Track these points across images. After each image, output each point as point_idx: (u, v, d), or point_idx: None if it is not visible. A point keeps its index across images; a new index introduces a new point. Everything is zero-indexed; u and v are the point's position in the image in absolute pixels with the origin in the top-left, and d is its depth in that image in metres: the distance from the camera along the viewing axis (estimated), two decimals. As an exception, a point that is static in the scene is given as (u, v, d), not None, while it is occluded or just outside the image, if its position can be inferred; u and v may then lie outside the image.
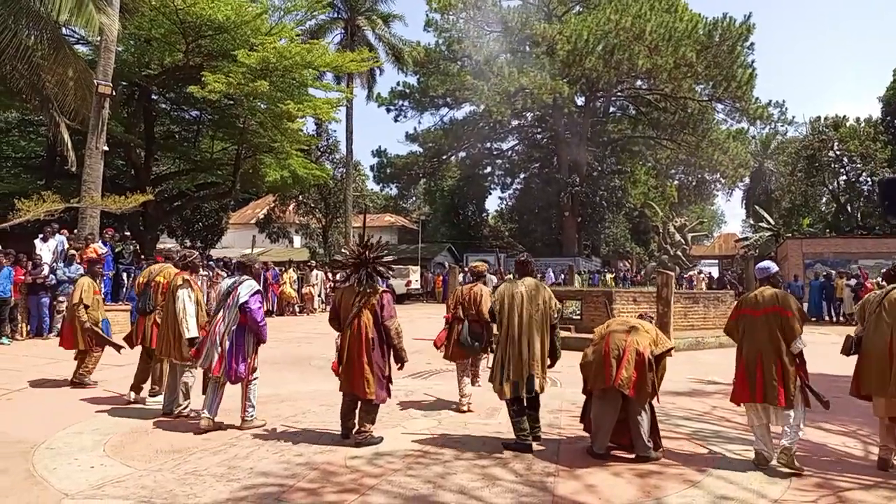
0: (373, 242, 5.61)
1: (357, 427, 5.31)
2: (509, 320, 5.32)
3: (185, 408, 6.14)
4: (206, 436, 5.48)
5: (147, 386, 6.81)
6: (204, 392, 5.79)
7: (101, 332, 7.56)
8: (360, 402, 5.30)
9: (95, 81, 14.23)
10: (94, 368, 7.67)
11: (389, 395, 5.44)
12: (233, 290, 5.76)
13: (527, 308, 5.29)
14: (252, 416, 5.77)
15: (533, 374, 5.16)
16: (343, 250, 5.83)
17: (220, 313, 5.74)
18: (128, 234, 16.07)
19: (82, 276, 8.12)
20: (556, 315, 5.39)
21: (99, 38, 14.60)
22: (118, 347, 7.33)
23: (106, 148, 14.85)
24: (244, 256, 6.43)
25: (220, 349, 5.60)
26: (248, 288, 5.77)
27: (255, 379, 5.83)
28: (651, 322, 5.74)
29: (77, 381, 7.51)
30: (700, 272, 35.60)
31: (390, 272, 5.94)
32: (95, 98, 14.26)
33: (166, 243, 31.56)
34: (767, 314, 4.93)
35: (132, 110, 22.76)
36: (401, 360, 5.45)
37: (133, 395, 6.79)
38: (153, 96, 22.78)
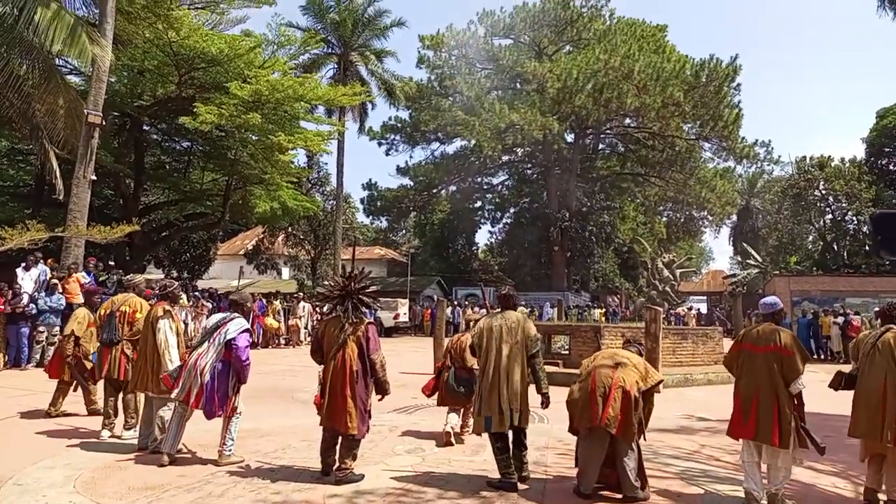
0: (356, 273, 5.52)
1: (338, 464, 5.16)
2: (487, 354, 5.28)
3: (161, 443, 5.89)
4: (180, 472, 5.31)
5: (120, 420, 6.62)
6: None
7: (86, 364, 7.39)
8: (340, 438, 5.16)
9: (86, 111, 14.24)
10: (95, 395, 7.47)
11: (368, 430, 5.33)
12: (221, 325, 5.67)
13: (506, 341, 5.23)
14: (231, 451, 5.60)
15: (511, 409, 5.05)
16: (326, 282, 5.76)
17: (204, 346, 5.62)
18: (112, 263, 15.92)
19: (80, 306, 8.00)
20: (534, 346, 5.28)
21: (91, 69, 14.66)
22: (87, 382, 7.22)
23: (94, 177, 14.80)
24: (235, 292, 6.34)
25: (199, 383, 5.46)
26: (237, 325, 5.68)
27: (238, 414, 5.70)
28: (639, 348, 5.67)
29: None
30: (690, 308, 35.70)
31: (376, 303, 5.85)
32: (85, 128, 14.26)
33: (152, 273, 31.30)
34: (767, 352, 4.86)
35: (123, 140, 22.77)
36: (384, 392, 5.38)
37: (107, 432, 6.53)
38: (145, 127, 22.83)
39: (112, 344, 6.59)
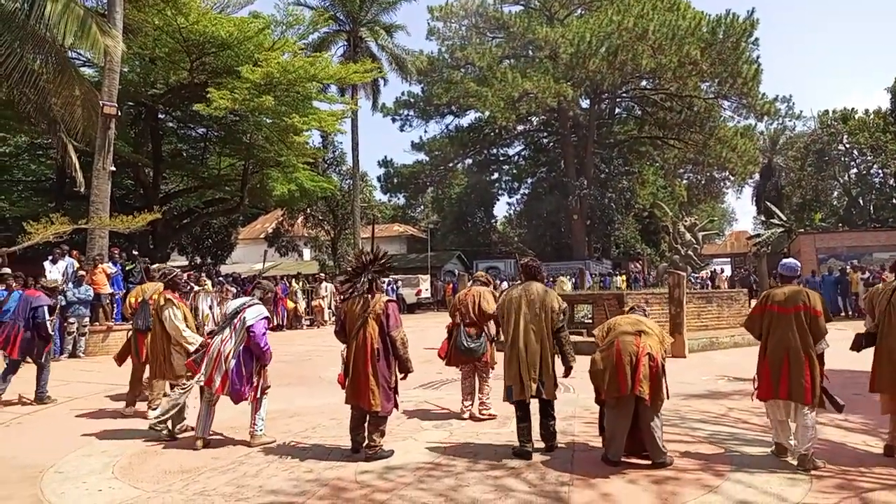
0: (372, 252, 5.68)
1: (367, 441, 5.23)
2: (507, 325, 5.34)
3: (184, 426, 6.06)
4: (215, 454, 5.43)
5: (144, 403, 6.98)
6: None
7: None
8: (368, 415, 5.23)
9: (101, 102, 14.33)
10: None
11: (397, 407, 5.39)
12: (240, 311, 5.74)
13: (524, 313, 5.24)
14: (261, 430, 5.71)
15: (530, 379, 5.08)
16: (349, 259, 5.90)
17: (227, 331, 5.70)
18: (136, 252, 16.14)
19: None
20: (559, 318, 5.25)
21: (103, 60, 14.72)
22: None
23: (113, 168, 14.93)
24: (258, 277, 6.48)
25: (223, 369, 5.56)
26: (255, 312, 5.74)
27: (265, 394, 5.81)
28: (645, 314, 5.63)
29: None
30: (722, 270, 35.42)
31: (396, 280, 5.95)
32: (101, 119, 14.36)
33: (176, 261, 31.72)
34: (798, 312, 4.88)
35: (139, 130, 22.93)
36: (406, 371, 5.40)
37: (131, 408, 7.01)
38: (160, 115, 22.95)
39: (148, 330, 6.93)
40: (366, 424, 5.27)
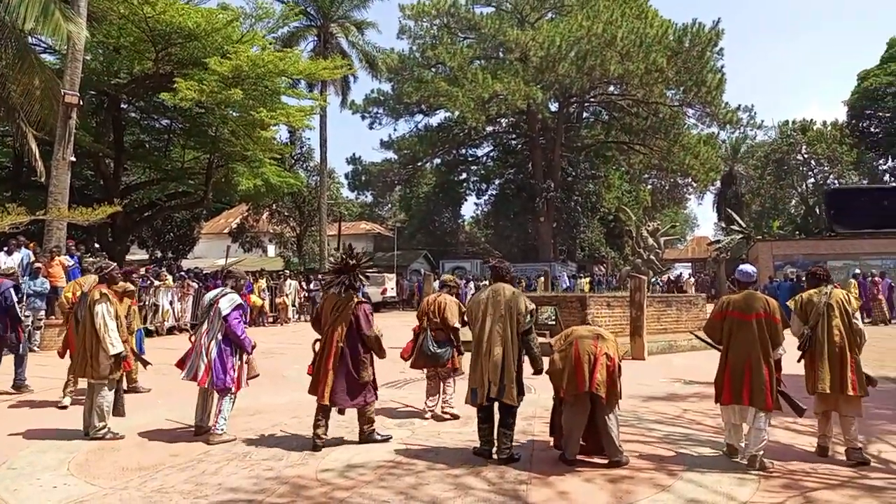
0: (356, 253, 5.84)
1: (359, 429, 5.65)
2: (474, 328, 5.34)
3: (101, 429, 5.77)
4: (174, 451, 5.38)
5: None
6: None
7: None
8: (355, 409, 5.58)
9: (62, 91, 13.98)
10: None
11: (375, 399, 5.69)
12: (215, 302, 5.80)
13: (490, 314, 5.22)
14: (223, 429, 5.68)
15: (490, 382, 5.07)
16: (330, 258, 6.00)
17: (206, 324, 5.79)
18: (96, 245, 15.79)
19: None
20: (527, 320, 5.24)
21: (66, 47, 14.36)
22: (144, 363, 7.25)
23: (73, 158, 14.58)
24: (233, 267, 6.47)
25: (206, 360, 5.63)
26: (229, 301, 5.79)
27: (232, 395, 5.82)
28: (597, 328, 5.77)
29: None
30: (690, 275, 36.11)
31: (366, 280, 6.00)
32: (62, 108, 14.01)
33: (136, 254, 31.08)
34: (759, 319, 5.06)
35: (101, 119, 22.37)
36: (382, 356, 5.71)
37: (68, 399, 7.13)
38: (123, 105, 22.42)
39: None
40: (328, 421, 5.52)
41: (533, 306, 5.40)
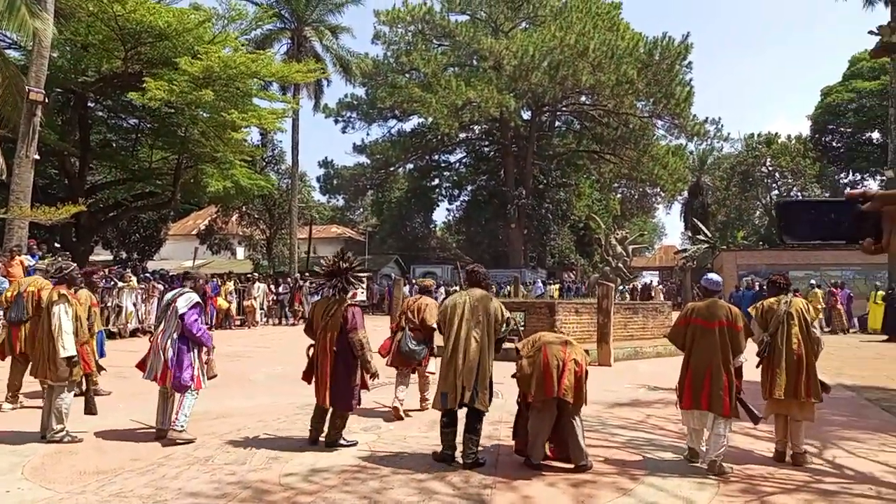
0: (348, 255, 5.95)
1: (327, 431, 5.63)
2: (448, 332, 5.30)
3: (58, 432, 5.64)
4: (133, 454, 5.29)
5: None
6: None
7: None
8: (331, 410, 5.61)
9: (27, 88, 13.68)
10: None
11: (359, 403, 5.75)
12: (172, 302, 5.81)
13: (466, 319, 5.22)
14: (183, 427, 5.62)
15: (463, 387, 5.07)
16: (322, 261, 6.08)
17: (162, 325, 5.81)
18: (58, 245, 15.45)
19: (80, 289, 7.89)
20: (502, 328, 5.30)
21: (32, 44, 14.06)
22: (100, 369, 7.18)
23: (37, 157, 14.27)
24: (190, 270, 6.46)
25: (163, 359, 5.63)
26: (186, 300, 5.81)
27: (194, 392, 5.78)
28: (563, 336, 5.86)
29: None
30: (660, 283, 36.62)
31: (360, 284, 6.15)
32: (26, 105, 13.71)
33: (101, 255, 30.45)
34: (722, 327, 5.17)
35: (67, 118, 21.94)
36: (368, 372, 5.65)
37: (8, 405, 6.95)
38: (89, 104, 21.99)
39: (21, 322, 7.00)
40: (329, 418, 5.67)
41: (509, 314, 5.47)
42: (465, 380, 5.09)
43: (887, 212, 1.11)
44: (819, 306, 17.53)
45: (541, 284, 30.31)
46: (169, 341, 5.67)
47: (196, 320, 5.78)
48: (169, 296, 6.00)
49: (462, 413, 5.23)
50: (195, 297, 5.88)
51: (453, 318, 5.28)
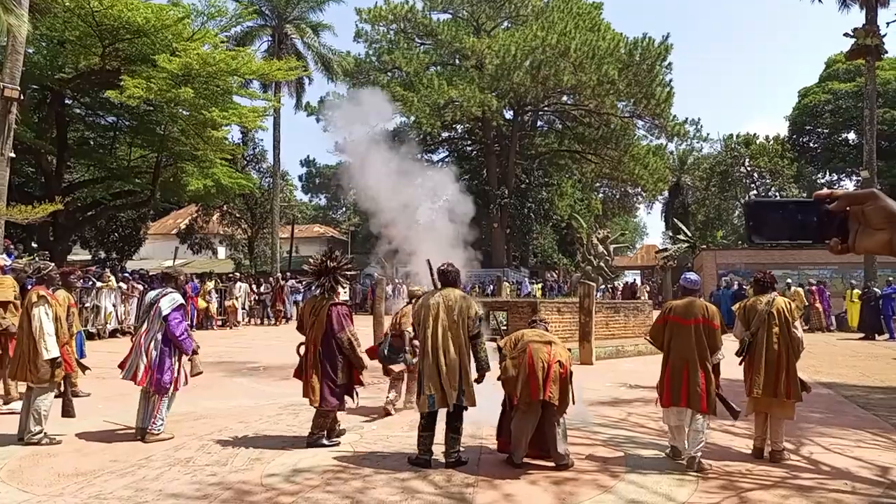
0: (336, 254, 6.00)
1: (310, 430, 5.64)
2: (424, 333, 5.23)
3: (37, 434, 5.57)
4: (113, 456, 5.24)
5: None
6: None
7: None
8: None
9: (2, 85, 13.44)
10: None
11: (343, 404, 5.74)
12: (155, 302, 5.78)
13: (443, 320, 5.17)
14: (160, 429, 5.60)
15: (451, 388, 5.06)
16: (310, 260, 6.09)
17: (145, 325, 5.78)
18: (35, 245, 15.22)
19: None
20: (475, 325, 5.24)
21: (6, 40, 13.82)
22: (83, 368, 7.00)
23: (13, 154, 14.02)
24: (170, 268, 6.41)
25: (145, 360, 5.59)
26: (169, 301, 5.78)
27: (170, 394, 5.75)
28: (546, 328, 5.80)
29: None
30: (644, 283, 36.91)
31: (345, 283, 6.16)
32: (1, 102, 13.46)
33: (79, 255, 30.03)
34: (698, 324, 5.23)
35: (43, 115, 21.60)
36: (360, 367, 5.73)
37: None
38: (66, 101, 21.68)
39: None
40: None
41: (482, 311, 5.45)
42: (450, 381, 5.07)
43: (853, 212, 1.14)
44: (801, 304, 17.78)
45: (527, 283, 30.52)
46: (153, 343, 5.65)
47: (180, 322, 5.76)
48: (152, 295, 5.95)
49: (442, 413, 5.21)
50: (179, 299, 5.87)
51: (427, 319, 5.22)
